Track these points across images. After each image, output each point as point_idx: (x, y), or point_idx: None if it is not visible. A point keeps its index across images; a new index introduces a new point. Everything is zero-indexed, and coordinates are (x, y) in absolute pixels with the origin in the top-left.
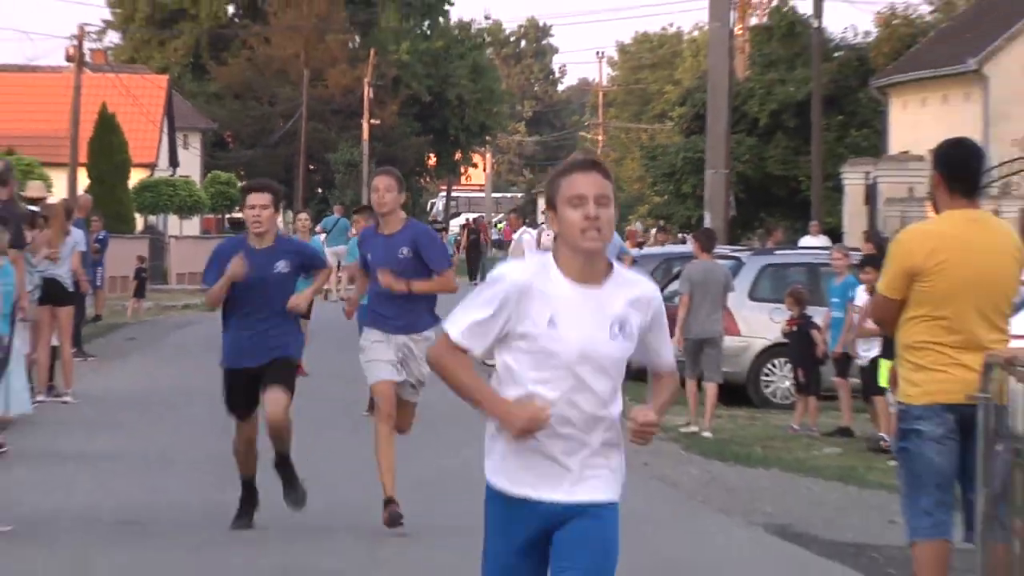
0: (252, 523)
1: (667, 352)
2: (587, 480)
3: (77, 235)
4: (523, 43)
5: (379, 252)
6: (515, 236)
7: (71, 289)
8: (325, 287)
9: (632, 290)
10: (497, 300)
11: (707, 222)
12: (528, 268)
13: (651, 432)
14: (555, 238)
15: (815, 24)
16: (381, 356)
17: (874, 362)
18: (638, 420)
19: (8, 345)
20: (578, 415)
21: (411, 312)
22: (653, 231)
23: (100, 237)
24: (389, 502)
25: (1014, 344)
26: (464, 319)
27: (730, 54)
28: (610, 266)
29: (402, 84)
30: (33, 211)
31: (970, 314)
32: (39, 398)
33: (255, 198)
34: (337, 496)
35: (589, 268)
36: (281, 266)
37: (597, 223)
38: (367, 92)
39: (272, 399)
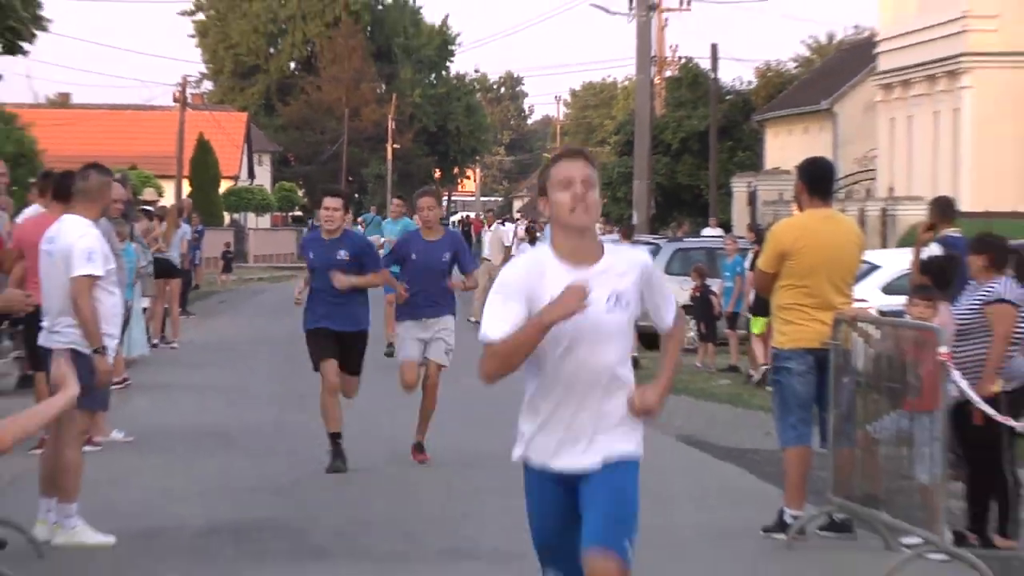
0: (345, 466)
1: (667, 311)
2: (600, 440)
3: (184, 228)
4: (502, 89)
5: (421, 255)
6: (492, 228)
7: (179, 266)
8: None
9: (624, 263)
10: (512, 295)
11: (634, 219)
12: (526, 263)
13: (651, 417)
14: (549, 225)
15: (712, 75)
16: (411, 336)
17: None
18: (636, 407)
19: (130, 307)
20: (590, 381)
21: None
22: (596, 225)
23: (199, 229)
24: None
25: (856, 305)
26: (491, 323)
27: (651, 97)
28: (602, 246)
29: (416, 119)
30: (148, 210)
31: (824, 284)
32: (154, 342)
33: (330, 202)
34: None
35: (582, 248)
36: (342, 254)
37: (584, 202)
38: (390, 125)
39: (350, 383)
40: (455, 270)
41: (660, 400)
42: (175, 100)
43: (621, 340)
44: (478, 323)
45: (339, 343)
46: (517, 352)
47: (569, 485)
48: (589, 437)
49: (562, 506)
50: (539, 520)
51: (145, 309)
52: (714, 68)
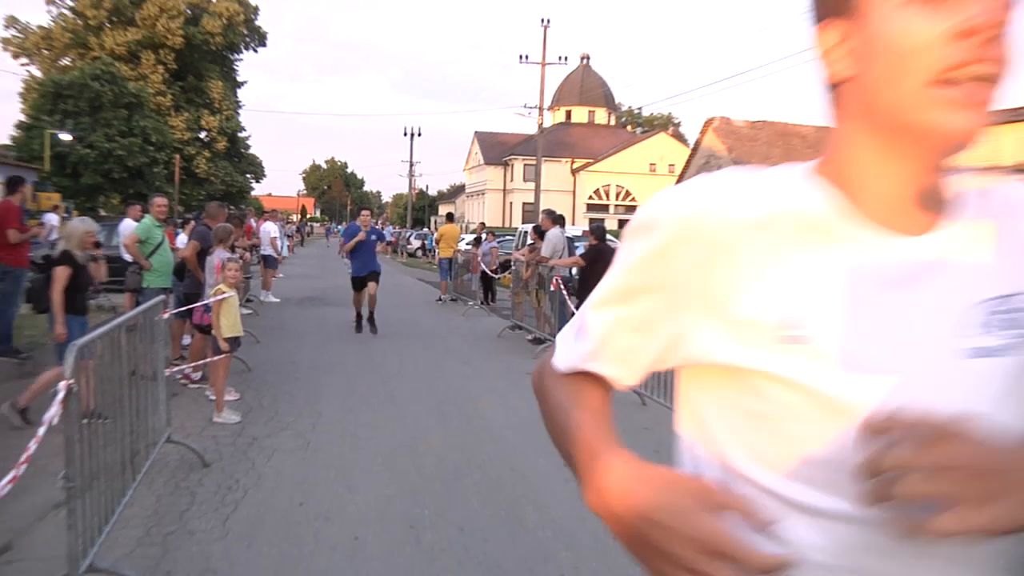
0: (362, 329)
1: None
2: None
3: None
4: None
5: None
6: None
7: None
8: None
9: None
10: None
11: None
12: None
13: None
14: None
15: None
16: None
17: None
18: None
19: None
20: None
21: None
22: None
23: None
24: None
25: None
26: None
27: None
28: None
29: None
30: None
31: None
32: (261, 298)
33: (365, 214)
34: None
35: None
36: (372, 238)
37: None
38: None
39: (371, 286)
40: None
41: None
42: None
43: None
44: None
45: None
46: None
47: None
48: None
49: None
50: None
51: None
52: None
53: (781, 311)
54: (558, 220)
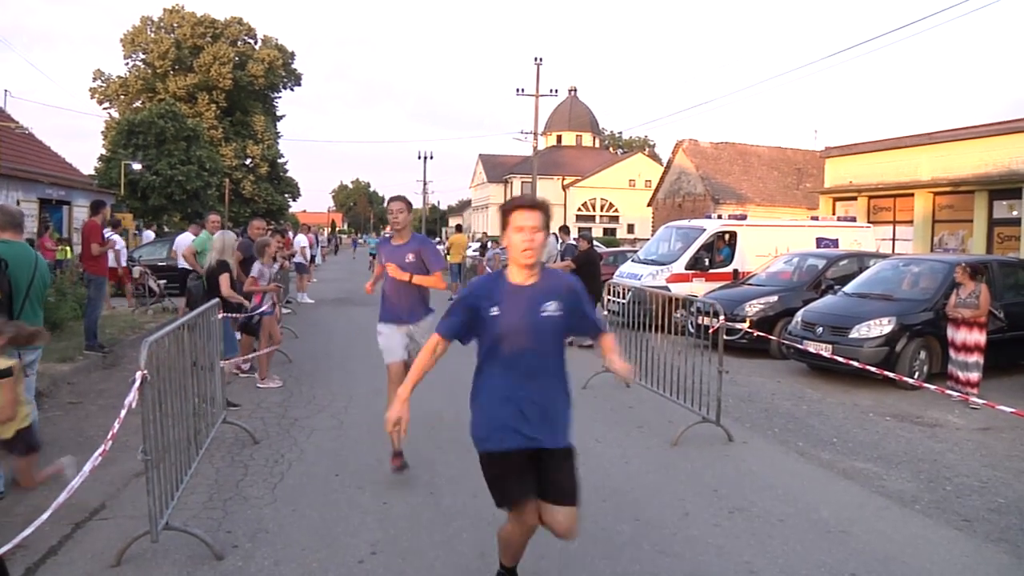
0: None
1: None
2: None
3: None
4: None
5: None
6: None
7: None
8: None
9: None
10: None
11: None
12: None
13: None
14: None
15: None
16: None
17: None
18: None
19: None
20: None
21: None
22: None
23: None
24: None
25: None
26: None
27: None
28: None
29: None
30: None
31: None
32: (299, 299)
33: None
34: None
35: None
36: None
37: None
38: None
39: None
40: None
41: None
42: None
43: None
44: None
45: None
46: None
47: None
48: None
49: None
50: None
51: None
52: None
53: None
54: (565, 230)
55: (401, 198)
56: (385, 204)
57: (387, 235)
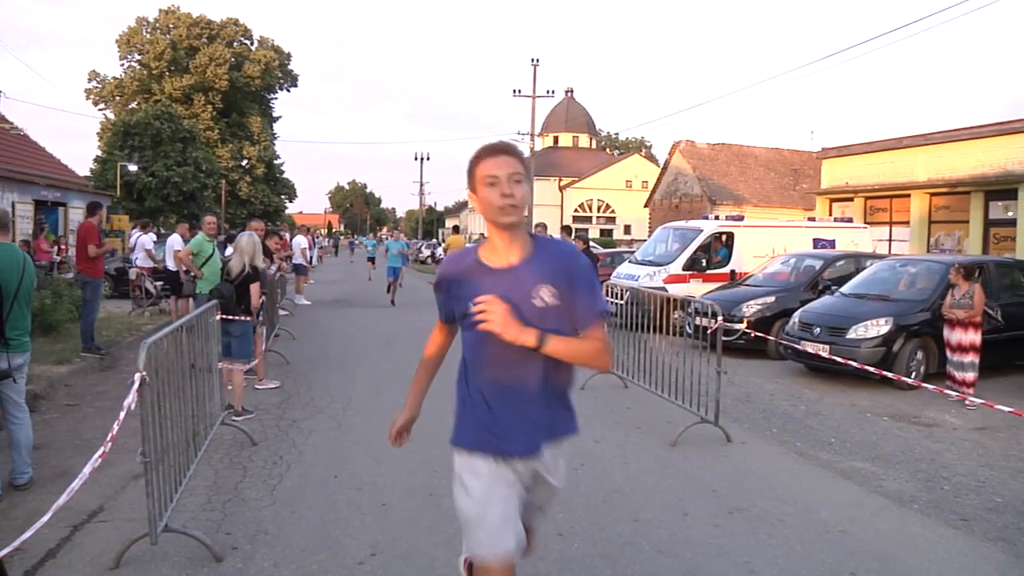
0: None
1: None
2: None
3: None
4: None
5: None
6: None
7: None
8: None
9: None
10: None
11: None
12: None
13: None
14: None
15: None
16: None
17: None
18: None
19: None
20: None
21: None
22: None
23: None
24: None
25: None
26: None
27: None
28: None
29: None
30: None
31: None
32: (296, 301)
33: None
34: None
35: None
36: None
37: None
38: None
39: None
40: None
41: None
42: None
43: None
44: None
45: None
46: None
47: None
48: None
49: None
50: None
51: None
52: None
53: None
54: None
55: (508, 148)
56: (475, 160)
57: (473, 243)
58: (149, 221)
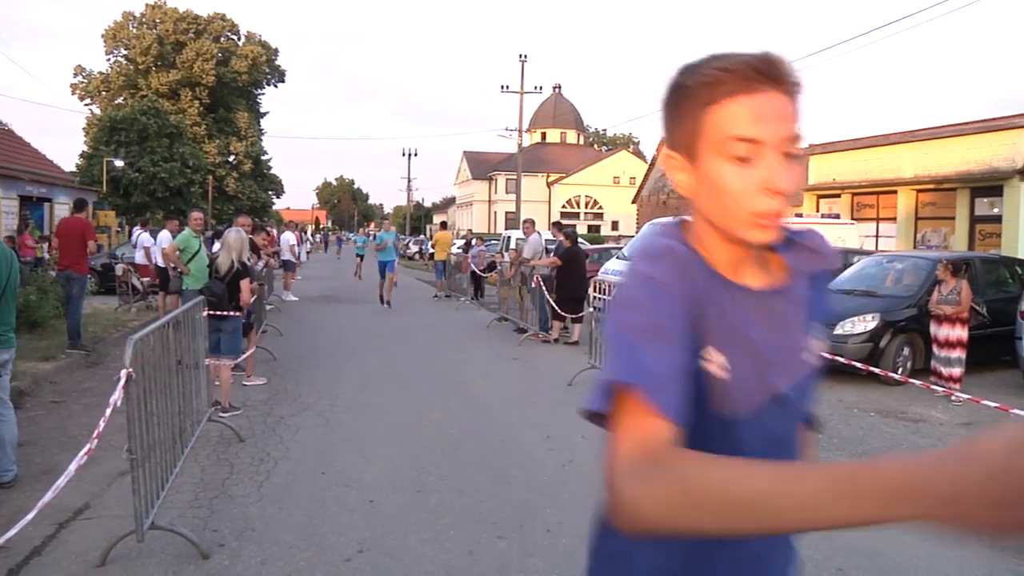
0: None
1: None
2: None
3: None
4: None
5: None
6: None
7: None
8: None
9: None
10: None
11: None
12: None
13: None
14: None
15: None
16: None
17: None
18: None
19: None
20: None
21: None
22: None
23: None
24: None
25: None
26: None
27: None
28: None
29: None
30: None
31: None
32: (283, 297)
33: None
34: None
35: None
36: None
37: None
38: None
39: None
40: None
41: None
42: None
43: None
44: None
45: None
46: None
47: None
48: None
49: None
50: None
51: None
52: None
53: None
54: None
55: (783, 74)
56: (712, 85)
57: (664, 224)
58: (148, 219)
